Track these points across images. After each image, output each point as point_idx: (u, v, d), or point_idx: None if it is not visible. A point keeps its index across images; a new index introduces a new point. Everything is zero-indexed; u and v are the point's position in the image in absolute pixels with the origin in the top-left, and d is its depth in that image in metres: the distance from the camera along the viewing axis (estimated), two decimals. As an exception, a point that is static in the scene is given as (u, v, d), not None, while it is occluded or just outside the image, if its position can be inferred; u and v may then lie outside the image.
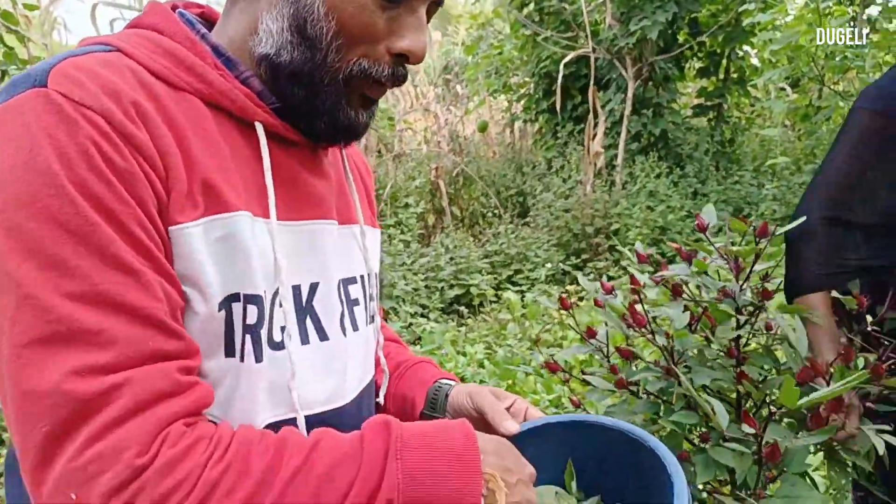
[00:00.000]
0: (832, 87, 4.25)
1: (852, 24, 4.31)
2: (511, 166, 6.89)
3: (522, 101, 6.82)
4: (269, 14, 0.53)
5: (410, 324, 3.36)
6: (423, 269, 4.26)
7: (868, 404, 0.97)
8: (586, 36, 5.05)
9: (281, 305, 0.53)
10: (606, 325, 1.22)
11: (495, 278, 4.38)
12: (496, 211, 5.59)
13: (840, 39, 3.89)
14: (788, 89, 6.24)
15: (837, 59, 3.91)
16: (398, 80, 0.56)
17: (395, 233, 4.74)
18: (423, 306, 3.85)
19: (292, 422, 0.53)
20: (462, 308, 3.91)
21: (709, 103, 5.76)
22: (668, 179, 5.07)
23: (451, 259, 4.30)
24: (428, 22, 0.58)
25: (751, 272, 1.19)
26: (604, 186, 5.01)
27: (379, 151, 6.13)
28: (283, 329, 0.54)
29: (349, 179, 0.68)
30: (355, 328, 0.64)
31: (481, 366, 2.73)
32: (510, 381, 2.54)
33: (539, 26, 5.75)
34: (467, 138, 7.03)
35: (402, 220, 4.82)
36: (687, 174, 5.31)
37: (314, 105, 0.55)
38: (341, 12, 0.51)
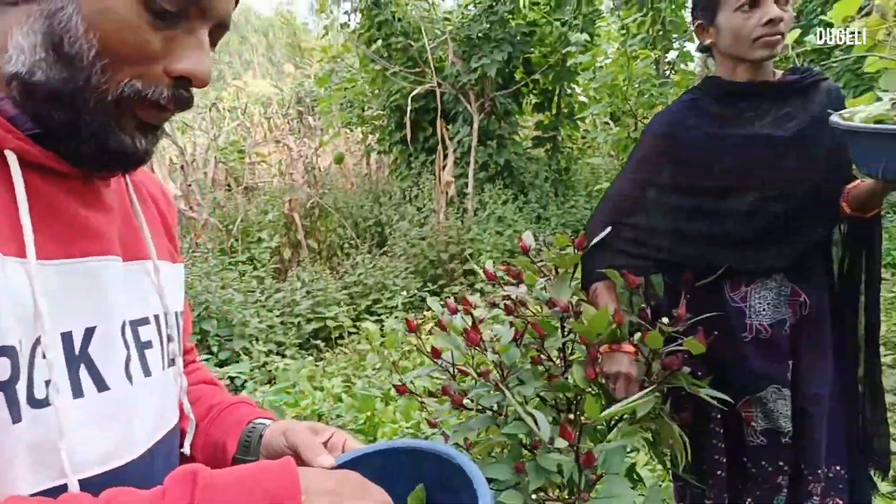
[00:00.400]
0: (643, 121, 4.85)
1: (656, 66, 4.98)
2: (368, 197, 6.94)
3: (377, 133, 6.94)
4: (20, 29, 0.47)
5: (265, 363, 3.21)
6: (279, 305, 4.11)
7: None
8: (432, 72, 5.29)
9: (44, 356, 0.47)
10: (453, 350, 1.28)
11: (354, 309, 4.35)
12: (353, 242, 5.58)
13: (645, 80, 4.48)
14: (611, 123, 7.02)
15: (645, 96, 4.48)
16: (181, 103, 0.53)
17: (246, 269, 4.53)
18: (279, 343, 3.70)
19: (62, 489, 0.47)
20: (320, 342, 3.82)
21: (545, 135, 6.29)
22: (514, 205, 5.43)
23: (308, 293, 4.20)
24: (214, 45, 0.56)
25: (572, 279, 1.31)
26: (456, 214, 5.22)
27: (228, 185, 5.86)
28: (48, 383, 0.47)
29: (136, 211, 0.62)
30: (147, 373, 0.58)
31: (339, 400, 2.68)
32: (369, 413, 2.52)
33: (388, 61, 5.92)
34: (323, 170, 6.97)
35: (255, 256, 4.62)
36: (530, 200, 5.72)
37: (77, 129, 0.50)
38: (103, 30, 0.47)
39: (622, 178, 1.35)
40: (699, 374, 1.26)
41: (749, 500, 1.33)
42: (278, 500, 0.45)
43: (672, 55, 5.10)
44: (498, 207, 5.22)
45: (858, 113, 1.08)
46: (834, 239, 1.30)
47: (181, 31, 0.50)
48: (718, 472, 1.34)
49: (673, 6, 4.73)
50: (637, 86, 4.44)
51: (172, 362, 0.63)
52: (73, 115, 0.49)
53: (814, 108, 1.22)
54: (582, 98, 6.71)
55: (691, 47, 5.37)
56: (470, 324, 1.26)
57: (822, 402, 1.25)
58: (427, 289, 4.60)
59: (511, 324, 1.27)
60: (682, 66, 5.32)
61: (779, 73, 1.28)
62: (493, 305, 1.37)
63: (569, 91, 6.17)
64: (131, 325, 0.58)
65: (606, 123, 7.02)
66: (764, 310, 1.26)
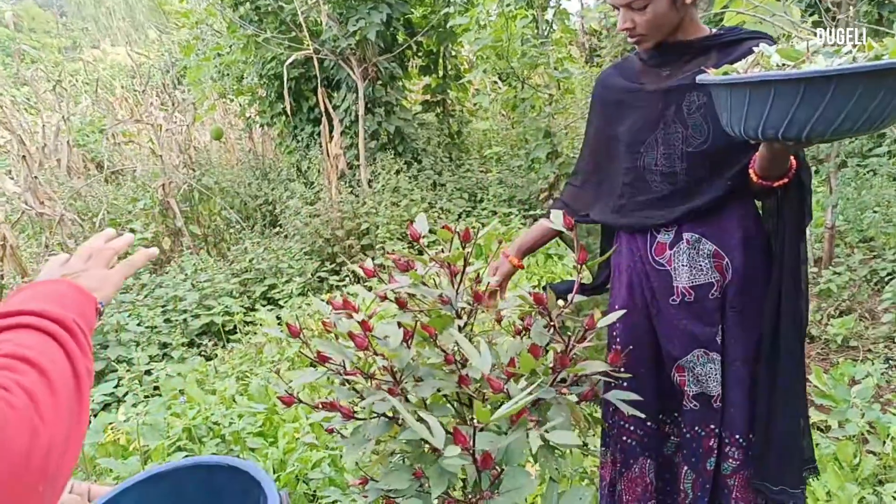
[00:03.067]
0: (528, 82, 4.86)
1: (536, 24, 4.99)
2: (255, 174, 6.53)
3: (256, 105, 6.48)
4: None
5: (148, 371, 2.94)
6: (161, 302, 3.78)
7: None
8: (307, 37, 4.96)
9: None
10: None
11: (249, 297, 4.10)
12: (241, 224, 5.23)
13: (526, 39, 4.47)
14: (500, 83, 7.03)
15: (527, 57, 4.47)
16: None
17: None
18: (164, 345, 3.41)
19: None
20: (210, 339, 3.56)
21: (434, 99, 6.16)
22: (409, 174, 5.31)
23: (193, 285, 3.89)
24: None
25: (462, 276, 1.25)
26: (349, 187, 5.03)
27: (88, 172, 5.24)
28: None
29: None
30: None
31: (234, 402, 2.50)
32: (268, 413, 2.38)
33: (258, 27, 5.48)
34: (201, 148, 6.44)
35: (129, 251, 4.19)
36: (424, 167, 5.62)
37: None
38: None
39: (585, 138, 1.52)
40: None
41: (684, 464, 1.37)
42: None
43: (550, 14, 5.12)
44: (392, 178, 5.08)
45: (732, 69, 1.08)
46: (767, 207, 1.33)
47: None
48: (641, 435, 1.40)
49: (548, -36, 4.71)
50: (520, 45, 4.42)
51: None
52: None
53: (727, 63, 1.23)
54: (468, 56, 6.64)
55: (567, 5, 5.41)
56: (358, 322, 1.17)
57: (748, 366, 1.28)
58: (325, 269, 4.42)
59: (399, 324, 1.20)
60: (563, 23, 5.36)
61: (713, 31, 1.29)
62: (383, 299, 1.29)
63: (454, 53, 6.06)
64: None
65: (495, 83, 7.03)
66: (685, 272, 1.28)
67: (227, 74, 6.49)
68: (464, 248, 1.20)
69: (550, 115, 4.97)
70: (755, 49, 1.14)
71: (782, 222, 1.24)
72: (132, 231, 4.42)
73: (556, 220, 1.22)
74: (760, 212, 1.35)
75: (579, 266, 1.17)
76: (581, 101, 5.96)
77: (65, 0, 39.26)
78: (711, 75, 1.05)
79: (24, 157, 3.42)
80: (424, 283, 1.23)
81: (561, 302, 1.18)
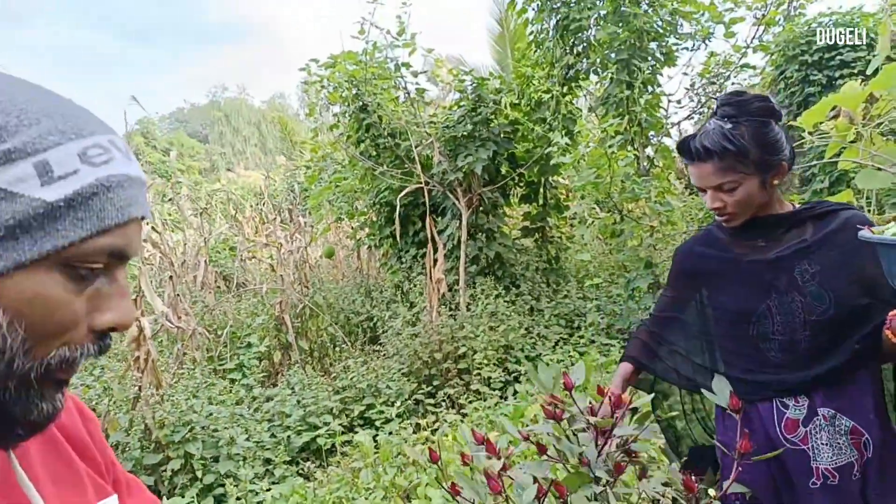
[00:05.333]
0: (627, 214, 4.95)
1: (637, 161, 5.15)
2: (360, 290, 6.92)
3: (367, 228, 7.02)
4: None
5: (251, 491, 3.05)
6: (269, 415, 3.97)
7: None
8: (419, 170, 5.43)
9: None
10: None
11: (347, 415, 4.21)
12: (347, 341, 5.50)
13: (627, 176, 4.62)
14: (598, 209, 7.18)
15: (628, 191, 4.59)
16: (103, 351, 0.50)
17: (235, 376, 4.42)
18: (268, 461, 3.54)
19: None
20: (310, 460, 3.65)
21: (533, 226, 6.38)
22: (507, 299, 5.41)
23: (298, 402, 4.07)
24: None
25: (608, 439, 1.25)
26: (448, 311, 5.19)
27: (218, 286, 5.83)
28: None
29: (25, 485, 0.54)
30: None
31: (331, 531, 2.52)
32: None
33: (376, 160, 6.09)
34: (313, 267, 6.98)
35: (244, 362, 4.52)
36: (522, 292, 5.71)
37: (2, 416, 0.47)
38: (31, 317, 0.44)
39: (662, 295, 1.54)
40: None
41: None
42: None
43: (650, 151, 5.28)
44: (490, 302, 5.20)
45: (888, 229, 1.09)
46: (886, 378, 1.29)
47: (100, 283, 0.48)
48: None
49: (647, 107, 4.95)
50: (620, 182, 4.57)
51: None
52: None
53: (832, 235, 1.26)
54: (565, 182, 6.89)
55: (668, 142, 5.58)
56: (496, 465, 1.18)
57: None
58: (422, 391, 4.49)
59: (534, 478, 1.20)
60: (659, 162, 5.49)
61: (796, 205, 1.35)
62: (525, 439, 1.30)
63: (554, 184, 6.34)
64: None
65: (593, 209, 7.19)
66: (827, 451, 1.23)
67: (345, 200, 7.15)
68: (614, 413, 1.21)
69: (651, 246, 4.97)
70: (853, 221, 1.16)
71: None
72: (249, 345, 4.78)
73: (721, 393, 1.06)
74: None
75: (741, 433, 1.07)
76: (682, 231, 5.93)
77: (209, 129, 45.73)
78: (873, 234, 1.06)
79: (171, 276, 3.89)
80: (567, 437, 1.24)
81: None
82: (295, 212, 7.38)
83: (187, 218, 6.97)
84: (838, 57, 5.89)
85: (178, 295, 3.92)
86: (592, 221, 6.10)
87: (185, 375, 3.77)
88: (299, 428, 3.83)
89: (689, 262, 1.45)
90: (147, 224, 7.61)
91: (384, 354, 5.08)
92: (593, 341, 5.06)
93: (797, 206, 1.34)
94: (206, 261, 5.25)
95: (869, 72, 2.30)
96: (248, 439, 3.52)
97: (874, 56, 2.26)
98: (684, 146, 1.30)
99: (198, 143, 41.98)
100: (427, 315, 5.05)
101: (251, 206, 10.69)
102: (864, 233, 1.06)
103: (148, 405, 3.22)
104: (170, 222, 9.68)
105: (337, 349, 5.38)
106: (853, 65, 5.84)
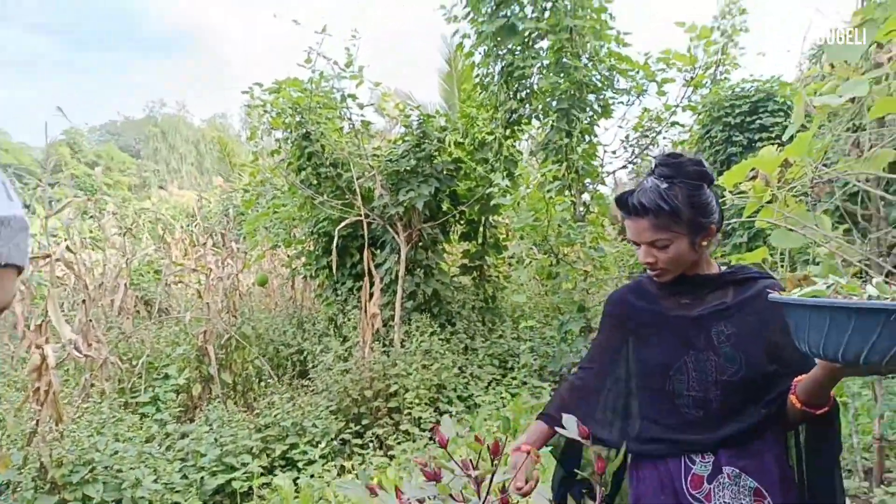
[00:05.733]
0: (563, 257, 5.06)
1: (573, 207, 5.30)
2: (292, 321, 6.70)
3: (303, 257, 6.85)
4: None
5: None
6: (182, 454, 3.71)
7: None
8: (359, 203, 5.37)
9: None
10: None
11: (268, 455, 4.00)
12: (273, 375, 5.27)
13: (563, 221, 4.74)
14: (536, 250, 7.32)
15: (563, 236, 4.70)
16: None
17: (149, 410, 4.12)
18: (177, 504, 3.29)
19: None
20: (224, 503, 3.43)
21: (471, 264, 6.41)
22: (441, 336, 5.37)
23: (216, 440, 3.84)
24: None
25: (490, 487, 1.23)
26: (382, 347, 5.09)
27: (138, 312, 5.48)
28: None
29: None
30: None
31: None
32: None
33: (316, 190, 5.98)
34: (243, 295, 6.72)
35: (160, 395, 4.23)
36: (458, 330, 5.69)
37: None
38: None
39: (592, 344, 1.53)
40: None
41: None
42: None
43: (586, 197, 5.46)
44: (425, 340, 5.14)
45: (795, 292, 1.13)
46: (789, 443, 1.32)
47: None
48: None
49: (584, 155, 5.14)
50: (557, 226, 4.68)
51: None
52: None
53: (749, 301, 1.30)
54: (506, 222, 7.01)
55: (604, 189, 5.80)
56: None
57: None
58: (349, 430, 4.33)
59: None
60: (594, 209, 5.68)
61: (723, 267, 1.39)
62: None
63: (493, 223, 6.42)
64: None
65: (531, 249, 7.32)
66: None
67: (282, 227, 6.96)
68: (493, 462, 1.19)
69: (585, 291, 5.09)
70: (770, 290, 1.22)
71: (816, 455, 1.22)
72: (166, 377, 4.50)
73: (570, 427, 1.17)
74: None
75: (598, 477, 1.13)
76: (615, 277, 6.11)
77: (143, 143, 43.90)
78: (782, 296, 1.09)
79: (84, 300, 3.62)
80: (452, 496, 1.21)
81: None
82: (228, 236, 7.12)
83: (109, 237, 6.58)
84: (758, 121, 6.34)
85: (90, 320, 3.64)
86: (530, 262, 6.21)
87: (91, 409, 3.48)
88: (214, 468, 3.59)
89: (619, 309, 1.47)
90: (64, 241, 7.13)
91: (313, 390, 4.90)
92: (525, 383, 5.07)
93: (722, 268, 1.39)
94: (126, 284, 4.93)
95: (785, 138, 2.47)
96: (156, 481, 3.26)
97: (790, 122, 2.43)
98: (622, 200, 1.34)
99: (129, 157, 40.22)
100: (360, 350, 4.93)
101: (182, 228, 10.24)
102: (774, 294, 1.10)
103: (45, 441, 2.94)
104: (90, 240, 9.12)
105: (263, 383, 5.14)
106: (771, 129, 6.31)
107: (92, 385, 3.70)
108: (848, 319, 0.96)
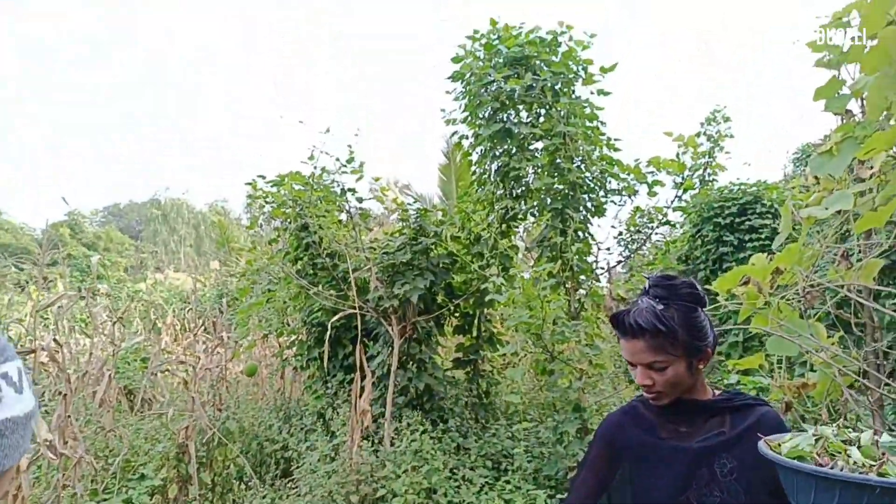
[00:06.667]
0: (557, 355, 4.99)
1: (568, 304, 5.30)
2: (279, 415, 6.48)
3: (294, 347, 6.74)
4: None
5: None
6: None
7: None
8: (354, 295, 5.36)
9: None
10: None
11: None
12: (258, 470, 5.02)
13: (557, 318, 4.72)
14: (530, 341, 7.23)
15: (558, 333, 4.66)
16: None
17: (120, 514, 3.87)
18: None
19: None
20: None
21: (465, 358, 6.31)
22: (433, 435, 5.17)
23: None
24: None
25: None
26: (371, 446, 4.89)
27: (119, 403, 5.30)
28: None
29: None
30: None
31: None
32: None
33: (312, 279, 5.99)
34: (231, 384, 6.54)
35: (133, 498, 3.99)
36: (450, 428, 5.49)
37: None
38: None
39: (578, 478, 1.46)
40: None
41: None
42: None
43: (582, 292, 5.47)
44: (416, 438, 4.94)
45: (785, 441, 1.09)
46: None
47: None
48: None
49: (579, 253, 5.20)
50: (552, 324, 4.65)
51: None
52: None
53: (748, 431, 1.27)
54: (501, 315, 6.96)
55: (600, 285, 5.82)
56: None
57: None
58: (332, 539, 4.07)
59: None
60: (588, 305, 5.68)
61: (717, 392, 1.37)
62: None
63: (488, 317, 6.38)
64: None
65: (527, 342, 7.24)
66: None
67: (275, 315, 6.90)
68: None
69: (581, 389, 4.97)
70: (767, 417, 1.18)
71: None
72: (142, 476, 4.27)
73: None
74: None
75: None
76: (611, 374, 6.01)
77: (144, 225, 44.51)
78: (773, 450, 1.06)
79: (64, 395, 3.51)
80: None
81: None
82: (219, 323, 7.04)
83: (98, 325, 6.50)
84: (747, 222, 6.51)
85: (69, 416, 3.51)
86: (525, 355, 6.11)
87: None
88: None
89: (612, 434, 1.43)
90: (52, 327, 7.02)
91: (296, 492, 4.64)
92: (519, 487, 4.83)
93: (716, 393, 1.36)
94: (111, 375, 4.80)
95: (775, 246, 2.52)
96: None
97: (778, 225, 2.48)
98: (618, 320, 1.33)
99: (129, 239, 40.65)
100: (347, 450, 4.73)
101: (174, 312, 10.15)
102: (762, 446, 1.07)
103: (3, 552, 2.73)
104: (80, 325, 9.00)
105: (243, 484, 4.88)
106: (760, 230, 6.46)
107: (64, 486, 3.50)
108: (833, 489, 0.94)
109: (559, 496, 4.68)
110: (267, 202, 6.09)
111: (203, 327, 8.68)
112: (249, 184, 6.09)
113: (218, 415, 5.24)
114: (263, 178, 6.03)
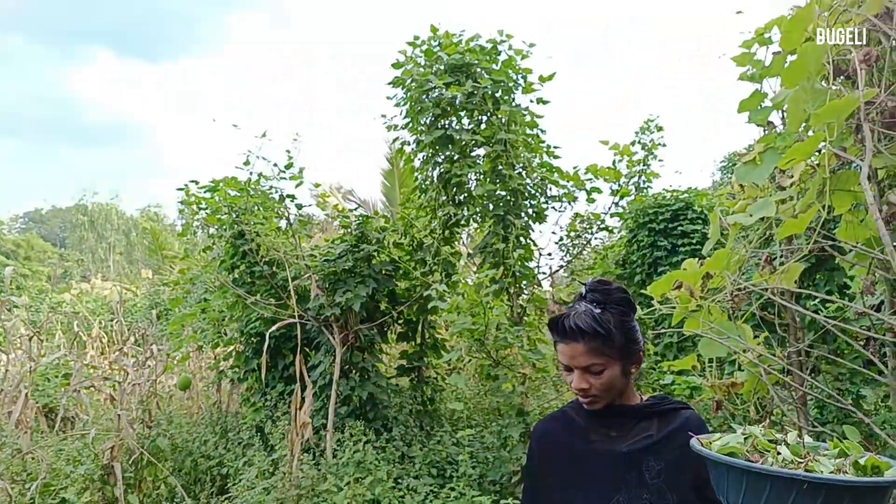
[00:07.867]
0: (500, 360, 5.02)
1: (511, 310, 5.34)
2: (215, 429, 6.21)
3: (230, 359, 6.49)
4: None
5: None
6: None
7: None
8: (293, 304, 5.22)
9: None
10: None
11: None
12: (192, 488, 4.79)
13: (500, 324, 4.75)
14: (474, 348, 7.26)
15: (500, 339, 4.69)
16: None
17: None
18: None
19: None
20: None
21: (409, 365, 6.25)
22: (377, 444, 5.09)
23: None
24: None
25: None
26: (312, 459, 4.76)
27: (38, 423, 4.93)
28: None
29: None
30: None
31: None
32: None
33: (249, 289, 5.79)
34: (163, 399, 6.22)
35: None
36: (394, 437, 5.42)
37: None
38: None
39: (524, 489, 1.49)
40: None
41: None
42: None
43: (524, 297, 5.53)
44: (359, 449, 4.85)
45: (715, 440, 1.11)
46: None
47: None
48: None
49: (521, 259, 5.27)
50: (494, 329, 4.67)
51: None
52: None
53: (674, 434, 1.29)
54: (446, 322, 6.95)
55: (542, 289, 5.91)
56: None
57: None
58: (271, 558, 3.92)
59: None
60: (530, 312, 5.75)
61: (645, 396, 1.39)
62: None
63: (432, 324, 6.36)
64: None
65: (471, 347, 7.26)
66: None
67: (210, 327, 6.62)
68: None
69: (524, 394, 5.02)
70: (691, 421, 1.21)
71: None
72: (63, 501, 3.99)
73: None
74: None
75: None
76: (554, 378, 6.10)
77: (69, 232, 41.98)
78: (704, 447, 1.08)
79: (-29, 417, 3.23)
80: None
81: None
82: (150, 334, 6.70)
83: (14, 340, 6.04)
84: (679, 228, 6.78)
85: (-24, 440, 3.23)
86: (469, 360, 6.13)
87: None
88: None
89: (541, 443, 1.46)
90: (-40, 343, 6.49)
91: (232, 510, 4.45)
92: (464, 494, 4.81)
93: (644, 398, 1.39)
94: (27, 394, 4.46)
95: (705, 251, 2.62)
96: None
97: (708, 230, 2.58)
98: (556, 324, 1.34)
99: (52, 246, 38.25)
100: (287, 464, 4.58)
101: (100, 324, 9.59)
102: (695, 443, 1.10)
103: None
104: (-6, 339, 8.37)
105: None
106: (692, 235, 6.74)
107: (-31, 517, 3.21)
108: (763, 484, 0.97)
109: (503, 501, 4.69)
110: (201, 208, 5.85)
111: (133, 339, 8.24)
112: (181, 189, 5.83)
113: (147, 432, 4.96)
114: (196, 182, 5.79)
